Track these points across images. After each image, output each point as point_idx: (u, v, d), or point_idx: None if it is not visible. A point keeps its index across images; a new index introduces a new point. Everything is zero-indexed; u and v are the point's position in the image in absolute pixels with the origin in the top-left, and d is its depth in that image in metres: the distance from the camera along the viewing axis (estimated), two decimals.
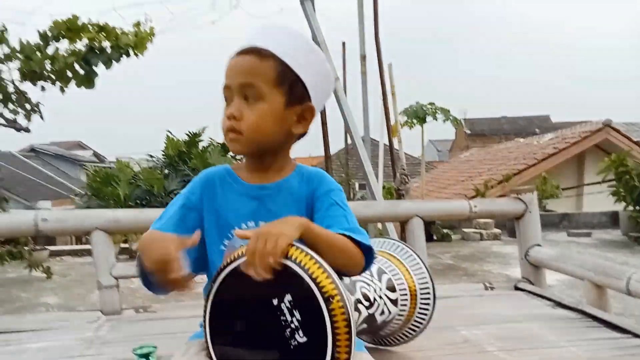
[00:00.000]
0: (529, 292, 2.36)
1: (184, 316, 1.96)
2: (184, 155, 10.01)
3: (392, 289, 1.53)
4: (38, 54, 4.78)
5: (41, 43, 4.82)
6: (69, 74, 4.87)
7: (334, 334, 0.85)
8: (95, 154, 28.16)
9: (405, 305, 1.56)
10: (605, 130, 11.86)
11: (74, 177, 23.51)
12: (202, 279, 1.12)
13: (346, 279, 1.28)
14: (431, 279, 1.61)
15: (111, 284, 2.07)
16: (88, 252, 6.88)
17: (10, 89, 4.93)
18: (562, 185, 10.62)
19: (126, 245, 7.58)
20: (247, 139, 1.04)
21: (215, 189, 1.12)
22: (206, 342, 0.99)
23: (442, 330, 1.79)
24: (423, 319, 1.61)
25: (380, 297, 1.49)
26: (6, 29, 4.85)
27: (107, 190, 9.33)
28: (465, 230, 8.79)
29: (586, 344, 1.68)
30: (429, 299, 1.60)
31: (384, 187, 8.04)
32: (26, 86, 5.00)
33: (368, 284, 1.46)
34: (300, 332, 0.88)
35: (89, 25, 4.83)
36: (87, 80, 4.93)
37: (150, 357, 1.48)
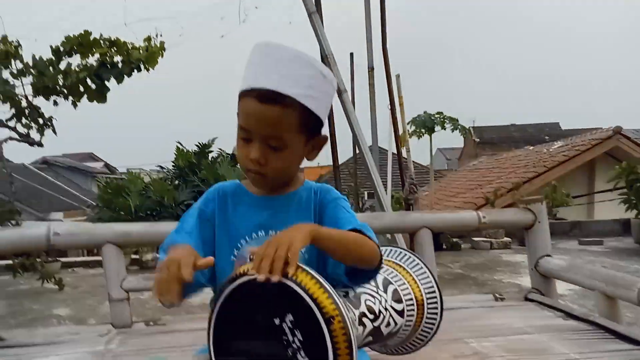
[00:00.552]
0: (540, 302, 2.35)
1: (194, 329, 1.97)
2: (194, 166, 10.08)
3: (398, 300, 1.53)
4: (51, 69, 4.87)
5: (54, 58, 4.90)
6: (81, 88, 4.95)
7: (335, 355, 0.86)
8: (107, 166, 28.39)
9: (412, 315, 1.56)
10: (615, 137, 11.76)
11: (86, 188, 23.70)
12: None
13: (351, 292, 1.28)
14: (438, 289, 1.61)
15: (122, 297, 2.09)
16: (99, 264, 6.89)
17: (24, 103, 5.02)
18: (572, 193, 10.54)
19: (137, 257, 7.62)
20: (272, 180, 1.09)
21: (227, 201, 1.15)
22: (209, 357, 1.00)
23: (451, 342, 1.79)
24: (430, 329, 1.60)
25: (386, 309, 1.48)
26: (20, 45, 4.94)
27: (119, 202, 9.42)
28: (475, 239, 8.74)
29: (597, 356, 1.66)
30: (436, 308, 1.60)
31: (392, 197, 8.03)
32: (39, 101, 5.08)
33: (373, 297, 1.46)
34: (302, 352, 0.89)
35: (100, 41, 4.92)
36: (99, 95, 5.00)
37: None
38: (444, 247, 8.32)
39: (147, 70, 5.04)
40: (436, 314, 1.59)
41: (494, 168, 15.03)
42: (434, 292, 1.60)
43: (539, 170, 11.41)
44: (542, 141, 19.55)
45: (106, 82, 4.94)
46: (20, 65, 4.94)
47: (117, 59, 4.91)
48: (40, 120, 5.09)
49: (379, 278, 1.58)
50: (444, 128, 9.01)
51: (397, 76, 7.19)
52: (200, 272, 1.03)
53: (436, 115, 9.02)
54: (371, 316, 1.45)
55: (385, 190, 5.02)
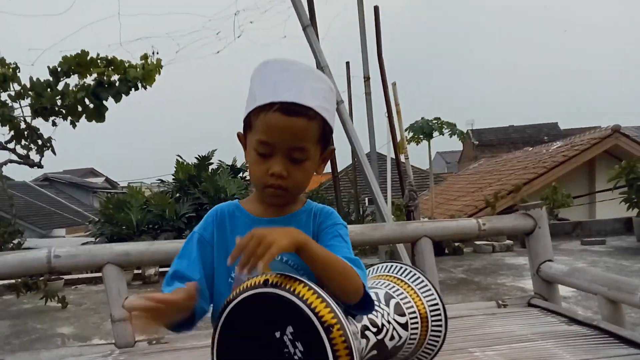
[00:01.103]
0: (543, 308, 2.35)
1: (197, 346, 1.97)
2: (194, 179, 10.09)
3: (401, 313, 1.53)
4: (49, 90, 4.89)
5: (51, 79, 4.93)
6: (79, 108, 4.97)
7: None
8: (108, 180, 28.45)
9: (416, 329, 1.56)
10: (614, 135, 11.77)
11: (87, 204, 23.75)
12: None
13: None
14: (442, 302, 1.61)
15: (124, 316, 2.09)
16: (102, 280, 6.89)
17: (22, 125, 5.04)
18: (573, 193, 10.52)
19: (139, 272, 7.61)
20: (290, 194, 1.09)
21: (225, 223, 1.15)
22: None
23: (454, 352, 1.79)
24: (436, 342, 1.60)
25: (389, 322, 1.49)
26: (18, 67, 4.97)
27: (120, 216, 9.42)
28: (477, 242, 8.71)
29: None
30: (440, 321, 1.60)
31: (393, 204, 8.03)
32: (38, 122, 5.11)
33: (376, 310, 1.47)
34: None
35: (97, 60, 4.95)
36: (97, 115, 5.03)
37: None
38: (446, 251, 8.30)
39: (145, 88, 5.07)
40: (441, 326, 1.59)
41: (493, 170, 15.03)
42: (437, 304, 1.60)
43: (539, 171, 11.41)
44: (541, 142, 19.57)
45: (104, 102, 4.97)
46: (18, 88, 4.97)
47: (115, 77, 4.94)
48: (40, 142, 5.12)
49: (381, 293, 1.59)
50: (442, 133, 9.04)
51: (394, 84, 7.22)
52: (202, 299, 1.05)
53: (433, 121, 9.05)
54: (374, 329, 1.45)
55: (385, 198, 5.03)
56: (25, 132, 5.04)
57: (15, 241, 5.32)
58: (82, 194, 25.43)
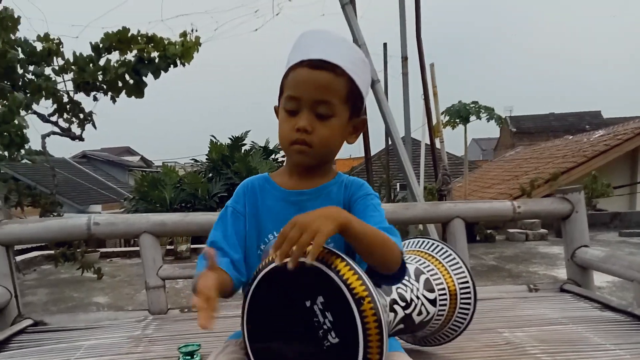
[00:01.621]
0: (575, 294, 2.30)
1: (228, 316, 2.01)
2: (227, 159, 10.22)
3: (430, 289, 1.53)
4: (91, 65, 5.01)
5: (93, 55, 5.04)
6: (120, 84, 5.08)
7: (365, 335, 0.87)
8: (143, 159, 29.06)
9: (444, 305, 1.55)
10: None
11: (123, 181, 24.35)
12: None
13: None
14: (472, 279, 1.59)
15: (158, 284, 2.15)
16: (135, 254, 7.13)
17: (65, 99, 5.19)
18: (613, 183, 10.21)
19: (172, 247, 7.80)
20: (315, 152, 1.08)
21: (256, 195, 1.17)
22: (244, 341, 1.03)
23: (483, 332, 1.77)
24: (464, 319, 1.59)
25: (418, 298, 1.48)
26: (61, 43, 5.10)
27: (154, 194, 9.64)
28: (510, 230, 8.58)
29: (634, 347, 1.62)
30: (469, 298, 1.58)
31: (425, 188, 7.96)
32: (80, 96, 5.25)
33: (405, 285, 1.46)
34: (333, 333, 0.90)
35: (138, 37, 5.03)
36: (137, 90, 5.12)
37: (194, 356, 1.54)
38: (478, 238, 8.20)
39: (183, 65, 5.14)
40: (469, 304, 1.58)
41: (530, 158, 14.68)
42: (467, 282, 1.58)
43: (579, 160, 11.09)
44: (583, 130, 18.99)
45: (144, 78, 5.06)
46: (61, 62, 5.11)
47: (154, 54, 5.02)
48: (81, 115, 5.26)
49: (411, 268, 1.58)
50: (479, 118, 8.87)
51: (432, 65, 7.11)
52: (237, 272, 1.08)
53: (471, 105, 8.88)
54: (402, 304, 1.45)
55: (418, 181, 4.99)
56: (68, 106, 5.18)
57: (55, 213, 5.51)
58: (118, 172, 26.08)
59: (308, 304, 0.92)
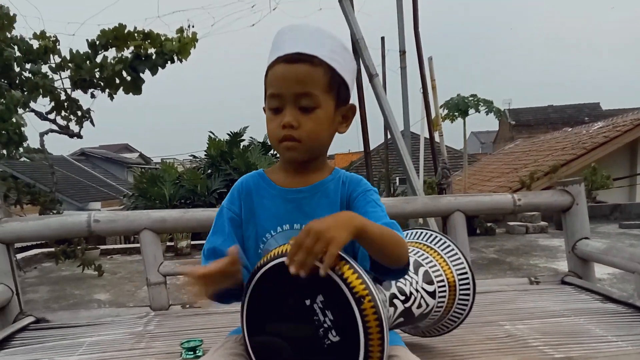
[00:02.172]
0: (577, 286, 2.30)
1: (229, 311, 2.01)
2: (225, 155, 10.22)
3: (429, 281, 1.53)
4: (87, 62, 4.99)
5: (90, 52, 5.02)
6: (117, 80, 5.06)
7: (366, 334, 0.87)
8: (142, 156, 29.05)
9: (443, 297, 1.55)
10: None
11: (122, 178, 24.34)
12: None
13: None
14: (471, 270, 1.59)
15: (159, 280, 2.16)
16: (136, 251, 7.14)
17: (63, 96, 5.17)
18: (613, 175, 10.21)
19: (172, 244, 7.81)
20: (305, 147, 1.07)
21: (251, 196, 1.15)
22: (244, 337, 1.03)
23: (484, 325, 1.78)
24: (463, 311, 1.59)
25: (417, 291, 1.48)
26: (58, 40, 5.08)
27: (153, 191, 9.64)
28: (510, 223, 8.58)
29: (636, 339, 1.62)
30: (468, 289, 1.59)
31: (425, 182, 7.96)
32: (77, 94, 5.23)
33: (404, 278, 1.46)
34: (333, 331, 0.90)
35: (134, 33, 5.01)
36: (134, 87, 5.11)
37: (196, 351, 1.54)
38: (478, 232, 8.21)
39: (180, 61, 5.12)
40: (468, 295, 1.58)
41: (530, 151, 14.68)
42: (466, 273, 1.58)
43: (578, 152, 11.09)
44: (582, 122, 18.96)
45: (141, 74, 5.05)
46: (58, 60, 5.09)
47: (151, 51, 5.00)
48: (79, 113, 5.25)
49: (410, 260, 1.58)
50: (478, 111, 8.84)
51: (430, 59, 7.09)
52: (245, 269, 1.07)
53: (470, 98, 8.85)
54: (402, 297, 1.45)
55: (418, 175, 4.99)
56: (65, 104, 5.17)
57: (55, 211, 5.50)
58: (117, 169, 26.07)
59: (308, 302, 0.92)
